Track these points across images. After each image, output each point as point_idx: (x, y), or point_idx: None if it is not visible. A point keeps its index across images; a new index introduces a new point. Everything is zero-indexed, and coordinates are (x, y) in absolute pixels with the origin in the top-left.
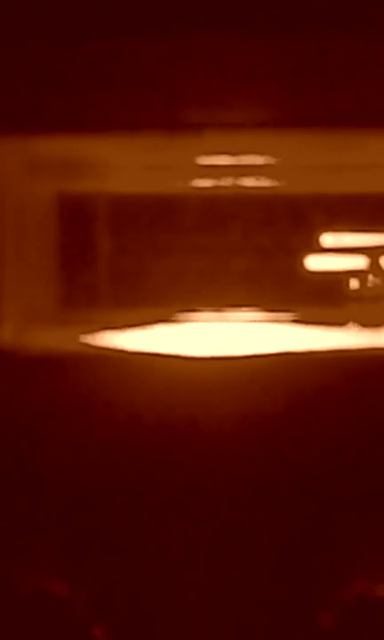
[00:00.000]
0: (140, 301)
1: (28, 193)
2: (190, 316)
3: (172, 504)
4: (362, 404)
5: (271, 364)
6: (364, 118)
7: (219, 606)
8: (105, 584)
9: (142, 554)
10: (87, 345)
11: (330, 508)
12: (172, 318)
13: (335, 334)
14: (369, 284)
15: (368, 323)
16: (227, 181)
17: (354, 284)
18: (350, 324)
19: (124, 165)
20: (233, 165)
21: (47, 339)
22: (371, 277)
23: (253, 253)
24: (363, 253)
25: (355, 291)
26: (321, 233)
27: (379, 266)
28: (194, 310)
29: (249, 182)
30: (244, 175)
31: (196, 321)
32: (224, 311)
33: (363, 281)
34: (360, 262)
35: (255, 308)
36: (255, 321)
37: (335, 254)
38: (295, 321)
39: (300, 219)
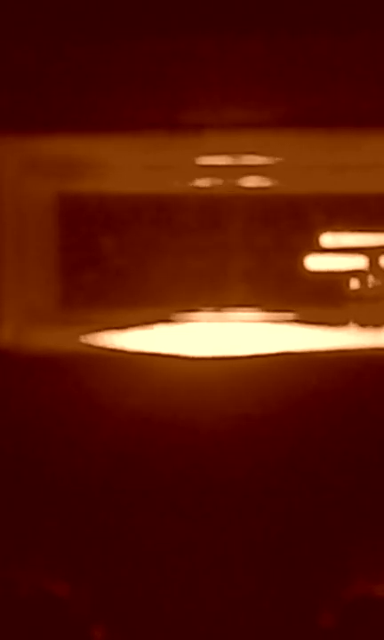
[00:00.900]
0: (139, 301)
1: (28, 193)
2: (190, 315)
3: (172, 504)
4: (362, 404)
5: (271, 364)
6: (364, 118)
7: (219, 606)
8: (105, 584)
9: (142, 554)
10: (87, 345)
11: (330, 507)
12: (172, 318)
13: (335, 334)
14: (369, 284)
15: (368, 323)
16: (227, 181)
17: (354, 284)
18: (350, 324)
19: (124, 165)
20: (233, 165)
21: (47, 339)
22: (371, 277)
23: (253, 253)
24: (363, 253)
25: (355, 291)
26: (321, 233)
27: (379, 266)
28: (194, 310)
29: (249, 182)
30: (244, 175)
31: (196, 321)
32: (224, 311)
33: (363, 281)
34: (360, 262)
35: (255, 308)
36: (255, 321)
37: (335, 254)
38: (295, 321)
39: (300, 219)
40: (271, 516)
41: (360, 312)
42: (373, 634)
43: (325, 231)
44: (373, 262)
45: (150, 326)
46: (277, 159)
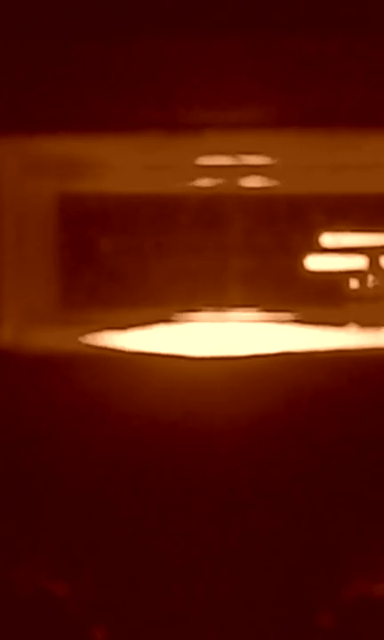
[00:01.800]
0: (139, 301)
1: (28, 193)
2: (190, 315)
3: (172, 504)
4: (362, 404)
5: (271, 363)
6: (364, 118)
7: (219, 606)
8: (105, 584)
9: (142, 554)
10: (87, 345)
11: (330, 507)
12: (172, 318)
13: (335, 334)
14: (369, 284)
15: (368, 323)
16: (227, 181)
17: (354, 283)
18: (350, 324)
19: (123, 165)
20: (233, 165)
21: (47, 339)
22: (371, 277)
23: (253, 253)
24: (363, 253)
25: (355, 291)
26: (321, 233)
27: (379, 266)
28: (194, 310)
29: (249, 182)
30: (244, 175)
31: (196, 321)
32: (224, 311)
33: (363, 281)
34: (360, 262)
35: (255, 308)
36: (255, 321)
37: (335, 254)
38: (295, 321)
39: (300, 219)
40: (271, 516)
41: (360, 312)
42: (372, 634)
43: (325, 231)
44: (373, 262)
45: (150, 326)
46: (277, 159)
